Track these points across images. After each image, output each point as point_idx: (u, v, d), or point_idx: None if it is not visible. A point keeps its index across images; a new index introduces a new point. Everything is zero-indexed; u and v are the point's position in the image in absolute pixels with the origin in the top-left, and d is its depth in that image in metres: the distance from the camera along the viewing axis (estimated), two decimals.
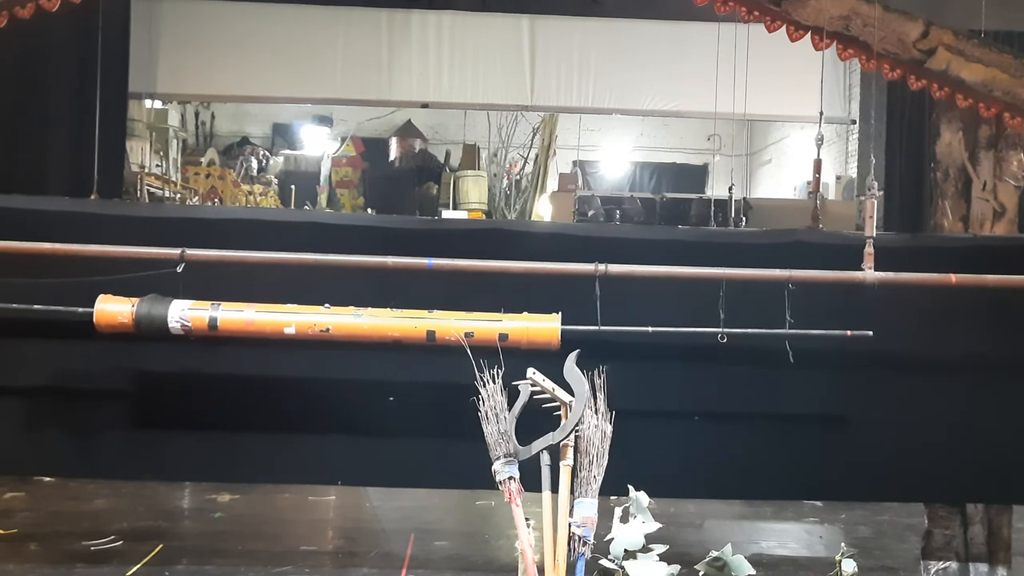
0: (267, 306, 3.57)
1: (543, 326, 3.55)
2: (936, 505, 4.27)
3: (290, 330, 3.52)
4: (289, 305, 3.58)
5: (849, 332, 3.65)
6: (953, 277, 3.68)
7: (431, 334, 3.50)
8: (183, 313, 3.50)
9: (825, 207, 5.87)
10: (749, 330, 3.67)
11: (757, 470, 4.11)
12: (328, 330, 3.52)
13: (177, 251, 3.59)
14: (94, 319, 3.52)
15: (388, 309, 3.57)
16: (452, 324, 3.50)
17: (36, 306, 3.64)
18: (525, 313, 3.59)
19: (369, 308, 3.57)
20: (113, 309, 3.53)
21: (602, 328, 3.60)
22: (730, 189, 9.76)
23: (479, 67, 9.54)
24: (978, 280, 3.73)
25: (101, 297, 3.55)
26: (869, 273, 3.67)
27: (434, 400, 3.85)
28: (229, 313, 3.52)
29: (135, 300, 3.53)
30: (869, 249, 3.68)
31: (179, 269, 3.57)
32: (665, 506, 3.99)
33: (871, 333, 3.65)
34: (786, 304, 3.61)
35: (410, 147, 16.08)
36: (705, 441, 4.06)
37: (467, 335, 3.46)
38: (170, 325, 3.50)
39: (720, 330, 3.63)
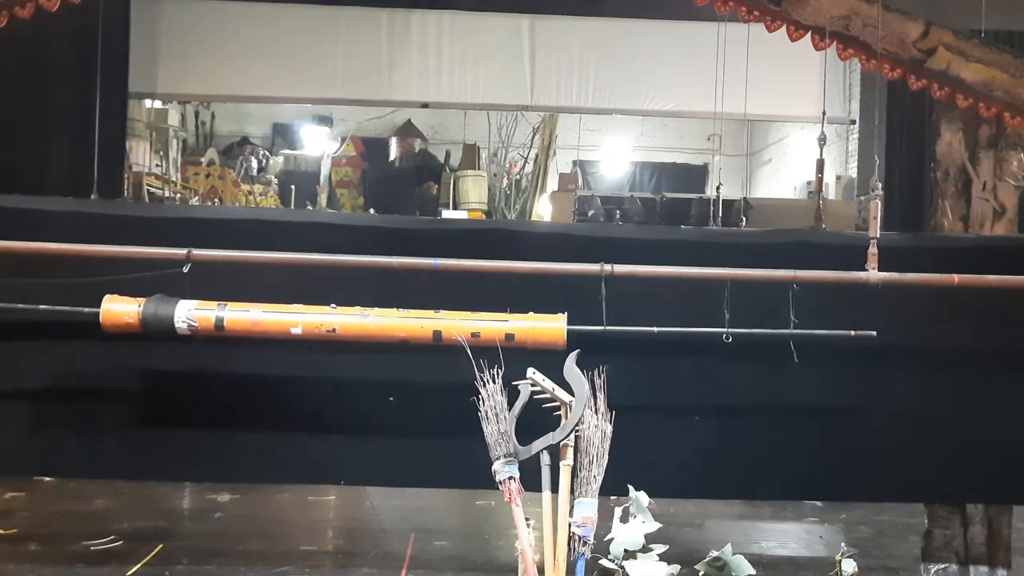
0: (273, 306, 3.57)
1: (549, 326, 3.55)
2: (936, 505, 4.26)
3: (296, 330, 3.52)
4: (295, 305, 3.58)
5: (853, 332, 3.65)
6: (956, 277, 3.68)
7: (437, 334, 3.50)
8: (189, 313, 3.50)
9: (825, 207, 5.86)
10: (753, 330, 3.67)
11: (758, 470, 4.11)
12: (335, 330, 3.52)
13: (183, 251, 3.59)
14: (100, 319, 3.53)
15: (394, 309, 3.57)
16: (458, 324, 3.50)
17: (42, 306, 3.64)
18: (531, 313, 3.59)
19: (375, 308, 3.57)
20: (119, 309, 3.53)
21: (608, 328, 3.60)
22: (717, 188, 9.79)
23: (479, 67, 9.54)
24: (981, 280, 3.73)
25: (107, 297, 3.55)
26: (873, 273, 3.67)
27: (435, 400, 3.85)
28: (235, 313, 3.52)
29: (141, 300, 3.53)
30: (873, 249, 3.67)
31: (185, 269, 3.57)
32: (665, 506, 3.99)
33: (875, 333, 3.65)
34: (790, 304, 3.61)
35: (410, 147, 16.08)
36: (706, 441, 4.06)
37: (473, 335, 3.46)
38: (176, 325, 3.50)
39: (725, 330, 3.63)
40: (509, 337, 3.49)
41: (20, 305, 3.66)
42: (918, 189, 8.11)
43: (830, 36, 4.10)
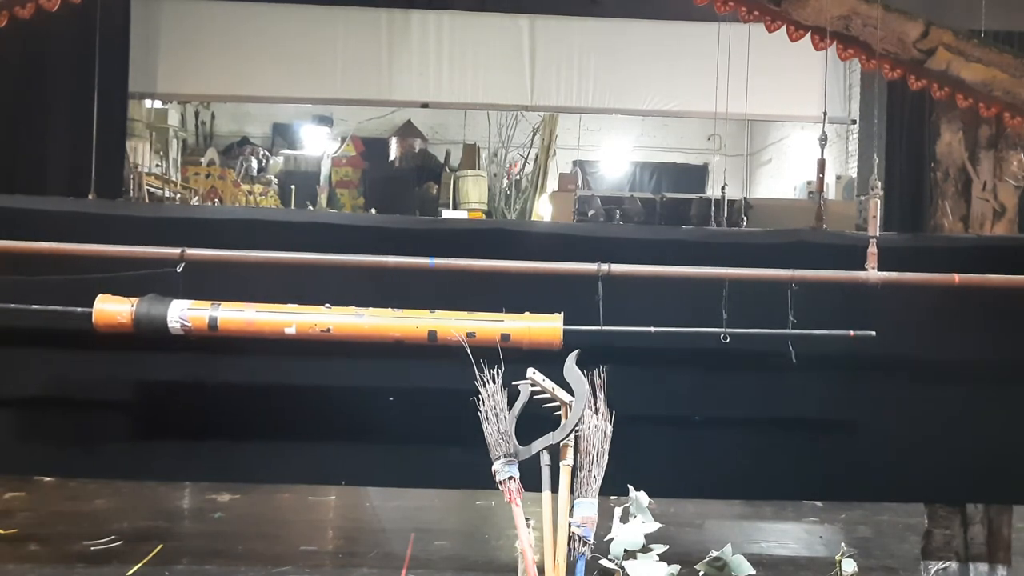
0: (267, 306, 3.55)
1: (545, 326, 3.54)
2: (936, 505, 4.27)
3: (291, 330, 3.51)
4: (290, 305, 3.57)
5: (852, 333, 3.64)
6: (956, 277, 3.67)
7: (432, 334, 3.49)
8: (183, 313, 3.49)
9: (826, 207, 5.87)
10: (751, 330, 3.66)
11: (758, 470, 4.10)
12: (329, 330, 3.51)
13: (177, 251, 3.58)
14: (93, 319, 3.51)
15: (389, 309, 3.56)
16: (454, 324, 3.49)
17: (35, 306, 3.62)
18: (527, 313, 3.58)
19: (370, 308, 3.56)
20: (112, 309, 3.51)
21: (604, 328, 3.59)
22: (723, 189, 9.78)
23: (479, 67, 9.54)
24: (981, 280, 3.73)
25: (100, 297, 3.53)
26: (872, 273, 3.66)
27: (435, 400, 3.85)
28: (229, 313, 3.51)
29: (134, 300, 3.51)
30: (872, 249, 3.66)
31: (179, 269, 3.56)
32: (665, 506, 3.99)
33: (874, 333, 3.64)
34: (789, 304, 3.60)
35: (410, 147, 16.08)
36: (706, 441, 4.06)
37: (469, 335, 3.45)
38: (170, 325, 3.48)
39: (722, 330, 3.62)
40: (505, 337, 3.47)
41: (12, 305, 3.65)
42: (918, 189, 8.12)
43: (830, 36, 4.09)
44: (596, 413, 3.23)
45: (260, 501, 5.86)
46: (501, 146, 15.99)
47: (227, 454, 4.07)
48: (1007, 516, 4.25)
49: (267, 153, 16.16)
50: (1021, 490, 4.18)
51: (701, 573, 3.54)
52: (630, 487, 3.40)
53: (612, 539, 3.33)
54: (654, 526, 3.35)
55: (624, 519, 3.37)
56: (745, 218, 9.40)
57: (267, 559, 4.67)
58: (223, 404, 4.00)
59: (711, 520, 5.66)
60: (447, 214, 14.32)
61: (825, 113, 6.55)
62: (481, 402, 3.22)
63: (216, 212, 7.35)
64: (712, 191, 13.43)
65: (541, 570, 3.15)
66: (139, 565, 4.46)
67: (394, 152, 16.16)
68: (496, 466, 3.21)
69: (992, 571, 4.20)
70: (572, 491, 3.19)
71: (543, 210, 14.26)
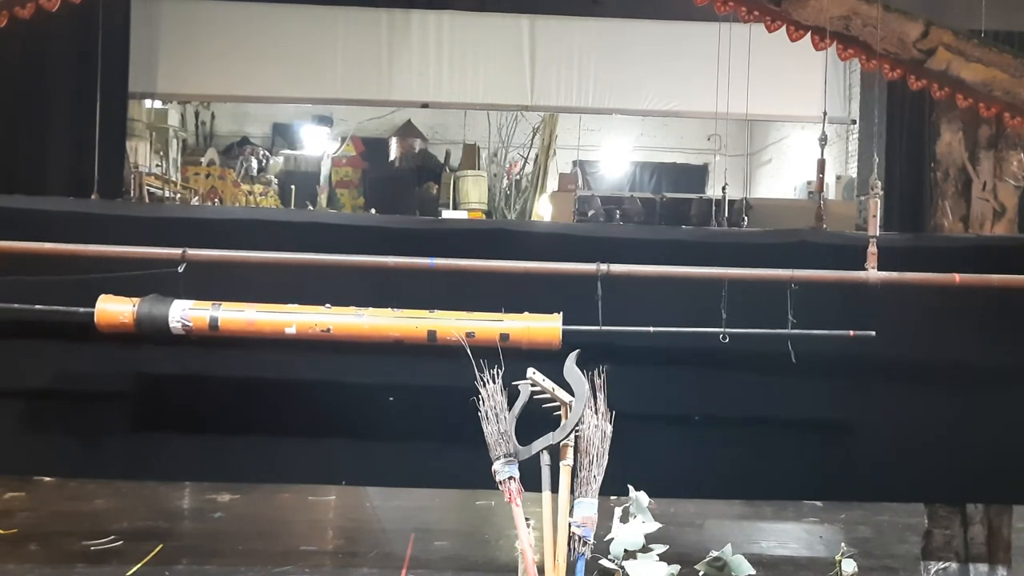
0: (268, 306, 3.56)
1: (544, 326, 3.54)
2: (936, 505, 4.26)
3: (291, 330, 3.52)
4: (290, 305, 3.58)
5: (852, 332, 3.64)
6: (957, 277, 3.67)
7: (432, 334, 3.50)
8: (184, 313, 3.50)
9: (826, 207, 5.87)
10: (750, 330, 3.66)
11: (758, 470, 4.10)
12: (329, 330, 3.52)
13: (178, 251, 3.59)
14: (95, 319, 3.52)
15: (389, 309, 3.56)
16: (453, 324, 3.50)
17: (38, 306, 3.63)
18: (526, 313, 3.59)
19: (370, 308, 3.56)
20: (114, 309, 3.53)
21: (603, 328, 3.60)
22: (723, 189, 9.76)
23: (479, 67, 9.54)
24: (981, 280, 3.73)
25: (102, 297, 3.55)
26: (872, 273, 3.66)
27: (435, 400, 3.85)
28: (230, 313, 3.52)
29: (136, 300, 3.52)
30: (872, 249, 3.67)
31: (180, 269, 3.57)
32: (665, 506, 3.99)
33: (874, 333, 3.64)
34: (788, 304, 3.60)
35: (410, 147, 16.07)
36: (706, 441, 4.06)
37: (468, 335, 3.46)
38: (171, 325, 3.49)
39: (722, 330, 3.62)
40: (504, 337, 3.48)
41: (15, 305, 3.65)
42: (918, 189, 8.12)
43: (830, 36, 4.09)
44: (596, 413, 3.23)
45: (260, 501, 5.86)
46: (501, 146, 15.99)
47: (227, 454, 4.07)
48: (1007, 516, 4.25)
49: (267, 153, 16.15)
50: (1021, 490, 4.17)
51: (701, 573, 3.54)
52: (630, 487, 3.40)
53: (612, 539, 3.33)
54: (654, 526, 3.35)
55: (624, 519, 3.37)
56: (746, 218, 9.39)
57: (267, 559, 4.67)
58: (223, 404, 4.00)
59: (711, 520, 5.66)
60: (447, 214, 14.31)
61: (825, 113, 6.55)
62: (481, 402, 3.22)
63: (216, 212, 7.35)
64: (712, 191, 13.43)
65: (541, 570, 3.15)
66: (139, 565, 4.46)
67: (394, 152, 16.16)
68: (496, 466, 3.21)
69: (992, 571, 4.20)
70: (572, 491, 3.19)
71: (543, 210, 14.26)
